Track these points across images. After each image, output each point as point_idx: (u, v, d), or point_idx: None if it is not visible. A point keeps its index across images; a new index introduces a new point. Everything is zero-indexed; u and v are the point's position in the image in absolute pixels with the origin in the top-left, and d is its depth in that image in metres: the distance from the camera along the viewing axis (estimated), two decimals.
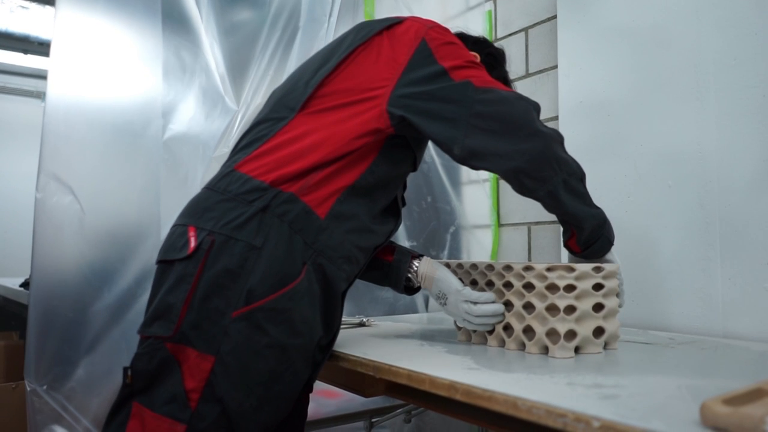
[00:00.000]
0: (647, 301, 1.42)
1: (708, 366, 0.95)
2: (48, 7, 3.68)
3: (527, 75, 1.83)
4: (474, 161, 1.00)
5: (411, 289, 1.19)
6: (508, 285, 1.06)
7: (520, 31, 1.87)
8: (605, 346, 1.05)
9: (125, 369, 0.90)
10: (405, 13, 2.01)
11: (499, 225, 1.89)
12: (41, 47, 3.95)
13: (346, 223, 0.99)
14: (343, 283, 1.02)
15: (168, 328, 0.87)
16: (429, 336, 1.25)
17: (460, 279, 1.10)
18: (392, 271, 1.16)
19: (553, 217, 1.70)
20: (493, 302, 1.05)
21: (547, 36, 1.77)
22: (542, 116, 1.76)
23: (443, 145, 1.00)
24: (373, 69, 1.00)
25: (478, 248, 1.94)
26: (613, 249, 1.11)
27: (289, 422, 1.09)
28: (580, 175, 1.04)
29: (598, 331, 1.02)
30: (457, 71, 0.99)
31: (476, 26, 1.99)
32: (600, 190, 1.54)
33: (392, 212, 1.12)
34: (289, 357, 0.91)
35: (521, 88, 1.85)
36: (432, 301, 2.00)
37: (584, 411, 0.62)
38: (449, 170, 1.98)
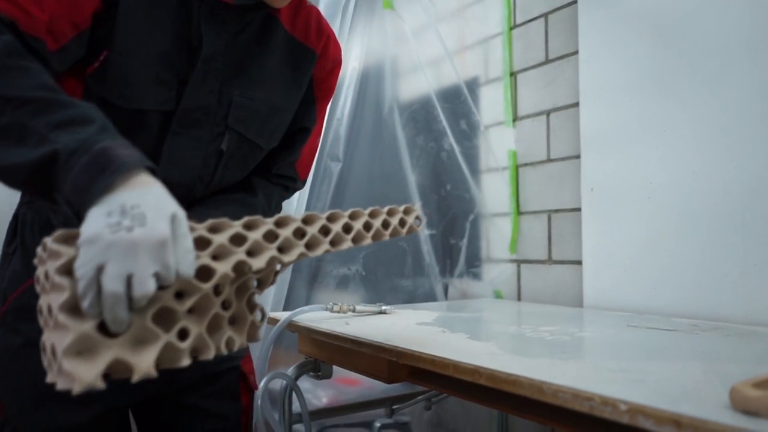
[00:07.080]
0: (670, 288, 1.41)
1: (733, 352, 0.94)
2: None
3: (547, 61, 1.81)
4: None
5: None
6: None
7: (539, 16, 1.85)
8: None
9: None
10: (425, 2, 1.99)
11: (519, 213, 1.88)
12: None
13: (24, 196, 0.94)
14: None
15: None
16: (449, 323, 1.25)
17: None
18: None
19: (574, 204, 1.69)
20: None
21: (567, 21, 1.75)
22: (563, 102, 1.76)
23: None
24: None
25: (498, 236, 1.93)
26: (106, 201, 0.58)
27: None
28: None
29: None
30: None
31: (495, 12, 1.97)
32: (622, 177, 1.53)
33: None
34: None
35: (541, 74, 1.82)
36: (452, 289, 2.00)
37: (611, 395, 0.62)
38: (468, 158, 1.98)
